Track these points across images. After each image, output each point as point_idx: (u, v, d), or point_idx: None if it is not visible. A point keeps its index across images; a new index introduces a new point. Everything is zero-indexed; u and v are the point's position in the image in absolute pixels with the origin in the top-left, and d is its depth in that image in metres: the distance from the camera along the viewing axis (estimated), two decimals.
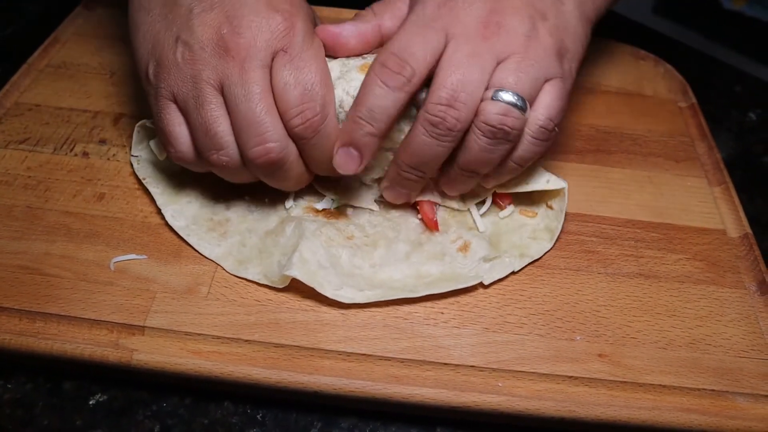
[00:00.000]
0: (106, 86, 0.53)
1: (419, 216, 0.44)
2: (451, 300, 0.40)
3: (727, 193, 0.48)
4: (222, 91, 0.37)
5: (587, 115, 0.54)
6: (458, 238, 0.43)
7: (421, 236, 0.43)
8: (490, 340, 0.38)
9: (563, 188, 0.44)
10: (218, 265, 0.41)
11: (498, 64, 0.38)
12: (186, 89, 0.38)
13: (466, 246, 0.42)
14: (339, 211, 0.44)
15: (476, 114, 0.38)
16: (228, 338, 0.37)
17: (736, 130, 0.59)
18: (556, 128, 0.40)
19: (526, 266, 0.42)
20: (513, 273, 0.42)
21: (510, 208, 0.45)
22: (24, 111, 0.50)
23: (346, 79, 0.40)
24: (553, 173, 0.44)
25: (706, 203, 0.48)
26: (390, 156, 0.41)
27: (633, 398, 0.37)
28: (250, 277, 0.40)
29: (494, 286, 0.41)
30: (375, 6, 0.43)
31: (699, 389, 0.37)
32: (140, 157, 0.46)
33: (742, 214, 0.47)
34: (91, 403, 0.38)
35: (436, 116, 0.37)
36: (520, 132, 0.39)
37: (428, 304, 0.40)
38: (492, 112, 0.37)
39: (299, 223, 0.42)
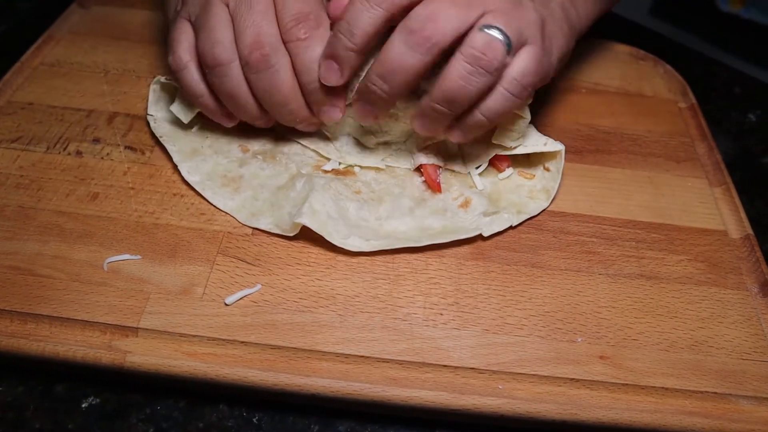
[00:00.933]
0: (100, 85, 0.52)
1: (423, 178, 0.46)
2: (451, 301, 0.39)
3: (728, 194, 0.48)
4: (229, 7, 0.41)
5: (587, 116, 0.54)
6: (460, 195, 0.45)
7: (425, 193, 0.45)
8: (490, 341, 0.38)
9: (560, 150, 0.46)
10: (214, 264, 0.40)
11: (484, 12, 0.38)
12: (199, 6, 0.42)
13: (467, 203, 0.44)
14: (347, 170, 0.46)
15: (463, 43, 0.38)
16: (224, 340, 0.36)
17: (736, 131, 0.59)
18: (528, 88, 0.40)
19: (523, 222, 0.44)
20: (511, 227, 0.44)
21: (509, 170, 0.47)
22: (17, 109, 0.49)
23: None
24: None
25: (706, 204, 0.47)
26: (397, 123, 0.44)
27: (635, 401, 0.36)
28: (262, 227, 0.42)
29: (494, 287, 0.40)
30: None
31: (701, 392, 0.37)
32: (156, 116, 0.48)
33: (743, 215, 0.46)
34: (83, 406, 0.37)
35: (414, 22, 0.38)
36: (499, 70, 0.39)
37: (427, 304, 0.39)
38: (478, 40, 0.38)
39: (309, 179, 0.44)
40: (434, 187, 0.45)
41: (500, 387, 0.36)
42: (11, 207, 0.42)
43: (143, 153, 0.47)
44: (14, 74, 0.52)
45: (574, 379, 0.36)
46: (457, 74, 0.38)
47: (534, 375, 0.36)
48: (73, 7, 0.60)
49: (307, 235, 0.41)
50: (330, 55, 0.40)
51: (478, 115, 0.41)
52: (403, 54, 0.38)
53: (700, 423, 0.35)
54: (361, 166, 0.47)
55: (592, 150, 0.50)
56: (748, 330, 0.40)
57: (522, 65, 0.40)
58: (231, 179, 0.45)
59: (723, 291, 0.42)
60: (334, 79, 0.41)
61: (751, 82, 0.64)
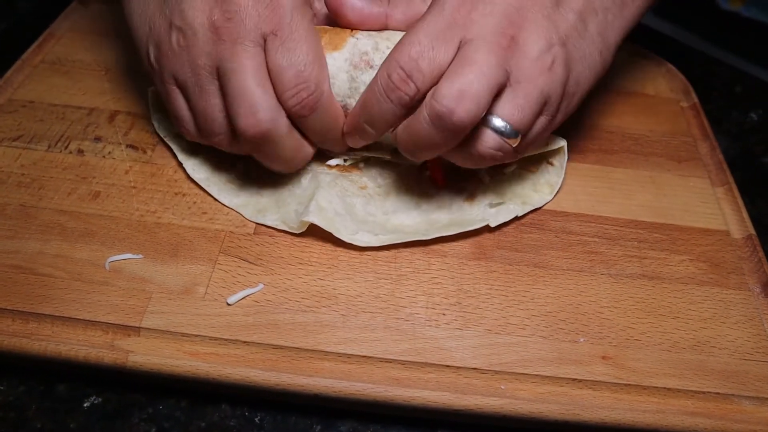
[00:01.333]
0: (102, 83, 0.52)
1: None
2: (453, 301, 0.39)
3: (730, 194, 0.48)
4: (218, 74, 0.39)
5: (589, 115, 0.54)
6: (465, 189, 0.46)
7: (430, 188, 0.46)
8: (493, 342, 0.38)
9: (563, 146, 0.46)
10: (216, 263, 0.40)
11: (506, 83, 0.37)
12: (185, 75, 0.39)
13: (472, 196, 0.45)
14: (352, 166, 0.46)
15: (474, 138, 0.38)
16: (226, 339, 0.36)
17: (737, 130, 0.59)
18: (533, 149, 0.42)
19: (528, 213, 0.45)
20: (517, 218, 0.44)
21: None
22: (18, 108, 0.49)
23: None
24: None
25: (708, 204, 0.47)
26: None
27: (637, 401, 0.36)
28: (269, 224, 0.42)
29: (496, 287, 0.40)
30: None
31: (704, 392, 0.37)
32: (158, 115, 0.48)
33: (745, 215, 0.46)
34: (85, 405, 0.37)
35: (443, 111, 0.36)
36: (506, 161, 0.40)
37: (429, 305, 0.39)
38: (488, 145, 0.38)
39: (315, 176, 0.44)
40: (440, 181, 0.45)
41: (503, 387, 0.36)
42: (13, 206, 0.42)
43: (145, 152, 0.47)
44: (15, 72, 0.52)
45: (576, 379, 0.36)
46: (463, 161, 0.40)
47: (536, 375, 0.36)
48: (74, 4, 0.59)
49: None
50: (350, 133, 0.42)
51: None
52: (429, 133, 0.37)
53: (703, 423, 0.35)
54: (367, 156, 0.46)
55: (594, 149, 0.50)
56: (751, 330, 0.40)
57: (532, 137, 0.40)
58: (235, 176, 0.45)
59: (725, 291, 0.42)
60: (358, 144, 0.43)
61: (753, 82, 0.64)
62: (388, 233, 0.42)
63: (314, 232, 0.41)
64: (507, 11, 0.37)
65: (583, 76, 0.40)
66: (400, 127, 0.39)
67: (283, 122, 0.39)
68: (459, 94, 0.35)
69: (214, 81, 0.39)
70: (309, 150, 0.43)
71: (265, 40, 0.38)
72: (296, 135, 0.41)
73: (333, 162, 0.46)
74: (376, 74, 0.38)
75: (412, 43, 0.37)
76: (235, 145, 0.41)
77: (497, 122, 0.37)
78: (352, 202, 0.43)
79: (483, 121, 0.37)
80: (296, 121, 0.40)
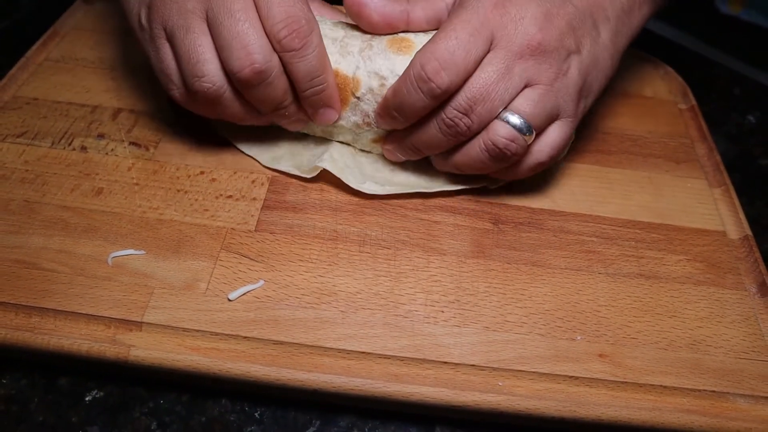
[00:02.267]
0: (105, 81, 0.52)
1: None
2: (452, 298, 0.40)
3: (727, 195, 0.48)
4: (207, 18, 0.39)
5: (588, 116, 0.54)
6: None
7: None
8: (491, 339, 0.38)
9: None
10: (217, 260, 0.40)
11: (526, 86, 0.39)
12: (173, 21, 0.39)
13: None
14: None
15: (486, 130, 0.40)
16: (227, 335, 0.37)
17: (735, 132, 0.59)
18: (550, 162, 0.43)
19: (526, 213, 0.45)
20: (516, 216, 0.45)
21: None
22: (22, 105, 0.49)
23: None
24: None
25: (706, 205, 0.48)
26: None
27: (633, 399, 0.37)
28: (282, 169, 0.46)
29: (494, 285, 0.41)
30: None
31: (699, 390, 0.37)
32: None
33: (742, 215, 0.47)
34: (87, 399, 0.37)
35: (452, 120, 0.40)
36: (519, 157, 0.41)
37: (428, 302, 0.39)
38: (500, 134, 0.40)
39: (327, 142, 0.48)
40: None
41: (500, 384, 0.36)
42: (16, 201, 0.43)
43: (147, 149, 0.47)
44: (19, 69, 0.52)
45: (573, 376, 0.37)
46: (477, 157, 0.41)
47: (534, 372, 0.37)
48: (77, 3, 0.60)
49: (297, 285, 0.39)
50: (380, 118, 0.43)
51: (499, 177, 0.45)
52: (440, 140, 0.41)
53: (698, 421, 0.36)
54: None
55: (592, 150, 0.51)
56: (746, 329, 0.40)
57: (550, 150, 0.42)
58: (255, 132, 0.47)
59: (721, 291, 0.42)
60: (389, 126, 0.44)
61: (751, 84, 0.65)
62: (394, 185, 0.45)
63: (312, 233, 0.42)
64: (536, 19, 0.39)
65: (596, 80, 0.42)
66: (411, 129, 0.42)
67: (276, 62, 0.40)
68: (470, 107, 0.39)
69: (203, 23, 0.39)
70: (294, 102, 0.43)
71: None
72: (285, 78, 0.41)
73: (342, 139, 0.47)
74: (410, 63, 0.39)
75: (449, 37, 0.38)
76: (222, 94, 0.40)
77: (510, 116, 0.39)
78: (361, 161, 0.47)
79: (498, 116, 0.40)
80: (287, 59, 0.40)
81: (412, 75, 0.39)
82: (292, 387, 0.36)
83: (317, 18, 0.42)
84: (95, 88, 0.51)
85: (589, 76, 0.41)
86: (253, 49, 0.38)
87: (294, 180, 0.46)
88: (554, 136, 0.41)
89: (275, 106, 0.42)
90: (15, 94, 0.50)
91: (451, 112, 0.39)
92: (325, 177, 0.45)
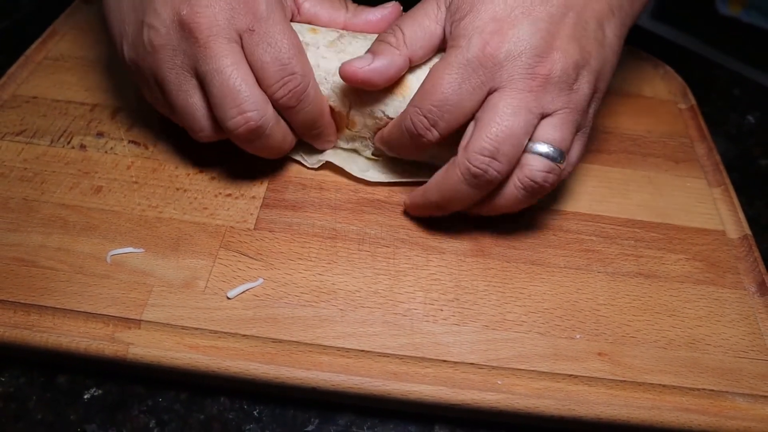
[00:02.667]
0: (105, 79, 0.52)
1: None
2: (451, 297, 0.40)
3: (727, 195, 0.48)
4: (196, 73, 0.38)
5: None
6: None
7: None
8: (490, 337, 0.38)
9: None
10: (216, 258, 0.40)
11: (542, 117, 0.37)
12: (162, 74, 0.39)
13: None
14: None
15: (520, 167, 0.38)
16: (225, 333, 0.37)
17: (735, 132, 0.59)
18: (569, 173, 0.41)
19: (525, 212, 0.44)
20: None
21: None
22: (21, 103, 0.49)
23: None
24: None
25: (705, 204, 0.48)
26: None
27: (633, 397, 0.37)
28: (291, 155, 0.46)
29: (493, 284, 0.41)
30: (403, 27, 0.40)
31: (698, 389, 0.37)
32: None
33: (741, 215, 0.47)
34: (85, 397, 0.37)
35: (478, 168, 0.37)
36: (555, 186, 0.39)
37: (427, 300, 0.39)
38: (536, 168, 0.37)
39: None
40: None
41: (499, 383, 0.36)
42: (15, 199, 0.43)
43: (147, 147, 0.47)
44: (19, 68, 0.52)
45: (572, 375, 0.37)
46: (515, 198, 0.39)
47: (533, 371, 0.37)
48: (76, 2, 0.60)
49: (297, 283, 0.39)
50: (385, 146, 0.43)
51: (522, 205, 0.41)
52: (467, 193, 0.38)
53: (697, 420, 0.36)
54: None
55: (592, 150, 0.51)
56: (745, 329, 0.40)
57: (571, 160, 0.40)
58: None
59: (721, 290, 0.42)
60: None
61: (751, 85, 0.65)
62: (396, 173, 0.46)
63: (310, 231, 0.42)
64: (535, 46, 0.36)
65: (603, 81, 0.40)
66: (431, 184, 0.41)
67: (271, 114, 0.39)
68: (495, 150, 0.36)
69: (192, 79, 0.38)
70: (293, 138, 0.43)
71: (241, 37, 0.38)
72: (283, 124, 0.41)
73: (309, 162, 0.47)
74: (404, 111, 0.39)
75: (437, 89, 0.37)
76: (221, 137, 0.41)
77: (540, 147, 0.37)
78: (366, 154, 0.47)
79: (526, 149, 0.37)
80: (283, 113, 0.40)
81: (404, 126, 0.39)
82: (291, 385, 0.36)
83: (310, 44, 0.42)
84: (94, 87, 0.51)
85: (599, 83, 0.40)
86: (246, 106, 0.37)
87: (293, 178, 0.46)
88: (575, 152, 0.40)
89: (277, 151, 0.42)
90: (14, 92, 0.50)
91: (475, 159, 0.36)
92: (327, 173, 0.46)
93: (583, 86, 0.38)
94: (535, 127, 0.37)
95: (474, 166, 0.37)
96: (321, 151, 0.47)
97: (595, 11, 0.39)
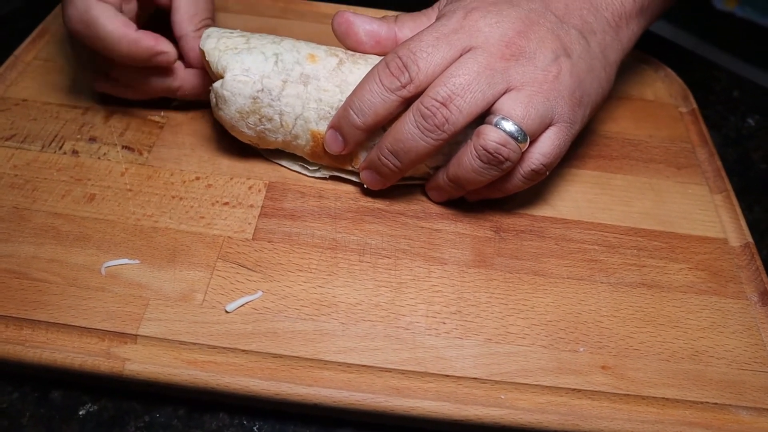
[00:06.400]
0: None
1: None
2: (453, 309, 0.39)
3: (728, 201, 0.48)
4: None
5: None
6: None
7: None
8: (493, 351, 0.38)
9: None
10: (214, 270, 0.39)
11: (508, 89, 0.38)
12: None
13: None
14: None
15: (476, 135, 0.39)
16: (224, 348, 0.36)
17: (734, 136, 0.59)
18: (548, 170, 0.41)
19: (527, 221, 0.45)
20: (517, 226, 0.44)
21: None
22: (10, 106, 0.48)
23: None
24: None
25: (707, 211, 0.47)
26: None
27: (636, 411, 0.36)
28: (284, 164, 0.46)
29: (496, 296, 0.40)
30: (401, 15, 0.43)
31: (702, 402, 0.37)
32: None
33: (743, 222, 0.46)
34: (80, 413, 0.36)
35: (428, 110, 0.38)
36: (513, 163, 0.39)
37: (430, 313, 0.39)
38: (491, 138, 0.38)
39: None
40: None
41: (502, 397, 0.36)
42: (6, 208, 0.41)
43: (141, 153, 0.46)
44: (7, 69, 0.50)
45: (576, 389, 0.36)
46: (470, 167, 0.39)
47: (536, 385, 0.36)
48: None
49: (297, 296, 0.39)
50: (336, 126, 0.41)
51: (495, 192, 0.42)
52: (415, 136, 0.39)
53: None
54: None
55: (593, 155, 0.50)
56: (748, 340, 0.40)
57: (542, 157, 0.40)
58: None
59: (723, 300, 0.42)
60: (336, 149, 0.42)
61: (750, 86, 0.64)
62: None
63: (310, 241, 0.41)
64: (514, 23, 0.38)
65: (592, 87, 0.41)
66: (386, 132, 0.40)
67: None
68: (448, 96, 0.37)
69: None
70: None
71: None
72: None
73: (310, 172, 0.46)
74: (375, 65, 0.39)
75: (414, 40, 0.38)
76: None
77: (497, 119, 0.38)
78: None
79: (485, 121, 0.39)
80: None
81: (376, 72, 0.39)
82: (292, 401, 0.35)
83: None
84: (86, 89, 0.50)
85: (583, 82, 0.40)
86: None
87: (292, 186, 0.45)
88: (548, 142, 0.40)
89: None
90: (3, 94, 0.49)
91: (428, 101, 0.38)
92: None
93: (564, 75, 0.39)
94: (499, 96, 0.38)
95: (424, 107, 0.38)
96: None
97: (575, 23, 0.41)
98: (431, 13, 0.43)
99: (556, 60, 0.39)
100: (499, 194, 0.43)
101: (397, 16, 0.43)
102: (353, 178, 0.45)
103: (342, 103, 0.41)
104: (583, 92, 0.40)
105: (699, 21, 1.27)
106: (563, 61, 0.39)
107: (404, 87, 0.38)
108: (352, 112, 0.39)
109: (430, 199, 0.45)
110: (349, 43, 0.43)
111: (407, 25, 0.42)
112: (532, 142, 0.40)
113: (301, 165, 0.46)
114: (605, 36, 0.42)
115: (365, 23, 0.42)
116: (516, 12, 0.39)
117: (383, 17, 0.43)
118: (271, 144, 0.44)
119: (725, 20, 1.27)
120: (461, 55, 0.38)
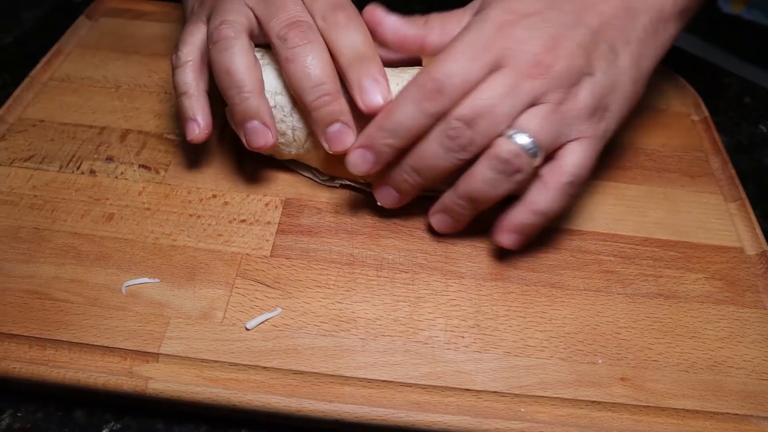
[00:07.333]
0: (112, 101, 0.51)
1: None
2: (471, 323, 0.39)
3: (743, 210, 0.48)
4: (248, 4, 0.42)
5: None
6: None
7: None
8: (512, 364, 0.38)
9: None
10: (233, 287, 0.40)
11: (529, 105, 0.38)
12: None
13: None
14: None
15: (490, 146, 0.38)
16: (245, 365, 0.36)
17: (747, 143, 0.59)
18: (579, 185, 0.40)
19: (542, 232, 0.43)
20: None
21: None
22: (28, 127, 0.49)
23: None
24: None
25: (722, 220, 0.47)
26: None
27: (656, 423, 0.36)
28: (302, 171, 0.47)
29: (514, 309, 0.40)
30: (431, 17, 0.42)
31: (722, 413, 0.37)
32: None
33: (758, 230, 0.46)
34: (103, 431, 0.37)
35: (454, 130, 0.38)
36: (525, 175, 0.39)
37: (448, 327, 0.39)
38: (503, 149, 0.38)
39: None
40: None
41: (522, 410, 0.36)
42: (26, 228, 0.42)
43: (158, 172, 0.46)
44: (24, 90, 0.51)
45: (595, 401, 0.36)
46: (481, 177, 0.39)
47: (556, 398, 0.36)
48: (81, 19, 0.59)
49: (316, 311, 0.39)
50: (367, 145, 0.40)
51: (533, 216, 0.40)
52: (439, 155, 0.39)
53: None
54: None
55: (607, 165, 0.50)
56: (767, 349, 0.40)
57: (574, 169, 0.39)
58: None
59: (741, 309, 0.42)
60: (365, 168, 0.40)
61: (762, 93, 0.64)
62: None
63: (327, 256, 0.41)
64: (544, 39, 0.38)
65: (614, 102, 0.40)
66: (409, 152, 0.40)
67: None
68: (473, 119, 0.37)
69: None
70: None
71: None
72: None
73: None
74: (407, 85, 0.39)
75: (449, 60, 0.38)
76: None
77: (512, 132, 0.38)
78: None
79: (501, 134, 0.38)
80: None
81: (411, 92, 0.38)
82: (314, 417, 0.35)
83: None
84: (102, 109, 0.51)
85: (605, 99, 0.40)
86: (296, 17, 0.41)
87: (308, 202, 0.45)
88: (575, 156, 0.39)
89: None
90: (20, 115, 0.49)
91: (453, 122, 0.38)
92: (342, 195, 0.45)
93: (583, 94, 0.39)
94: (521, 112, 0.38)
95: (451, 127, 0.38)
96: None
97: (608, 34, 0.40)
98: (462, 15, 0.42)
99: (579, 80, 0.39)
100: (538, 220, 0.40)
101: (426, 19, 0.42)
102: (365, 189, 0.46)
103: None
104: (605, 107, 0.40)
105: (706, 24, 1.27)
106: (586, 80, 0.39)
107: (441, 111, 0.38)
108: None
109: (433, 230, 0.44)
110: (374, 40, 0.42)
111: (436, 30, 0.42)
112: (556, 158, 0.39)
113: (314, 173, 0.46)
114: (640, 45, 0.41)
115: (394, 22, 0.42)
116: (547, 27, 0.38)
117: (412, 18, 0.43)
118: (285, 156, 0.45)
119: (732, 23, 1.27)
120: (491, 72, 0.38)
